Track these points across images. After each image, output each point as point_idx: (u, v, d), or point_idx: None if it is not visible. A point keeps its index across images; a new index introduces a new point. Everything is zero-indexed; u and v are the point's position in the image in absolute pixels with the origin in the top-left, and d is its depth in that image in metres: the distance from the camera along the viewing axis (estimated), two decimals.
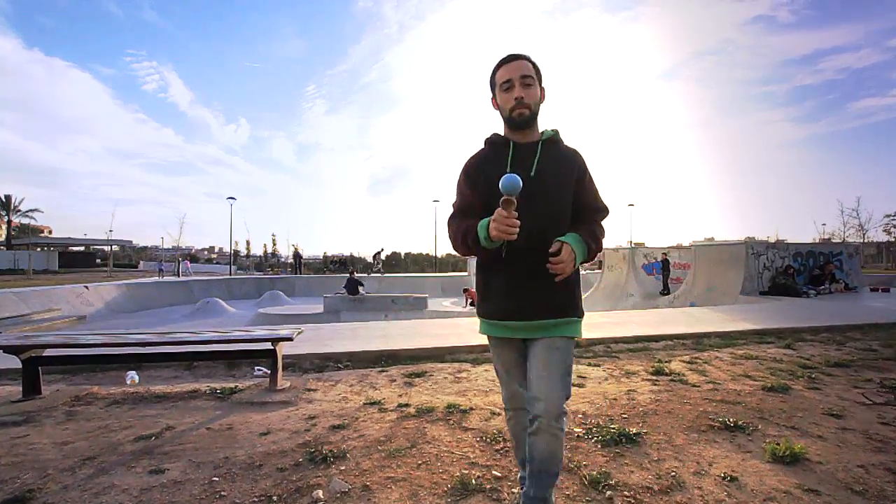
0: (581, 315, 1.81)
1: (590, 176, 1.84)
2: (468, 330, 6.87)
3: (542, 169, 1.73)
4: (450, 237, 1.77)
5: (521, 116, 1.74)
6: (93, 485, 2.38)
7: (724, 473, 2.42)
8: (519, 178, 1.46)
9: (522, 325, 1.74)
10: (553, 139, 1.82)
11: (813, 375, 4.39)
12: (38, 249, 50.87)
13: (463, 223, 1.71)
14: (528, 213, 1.57)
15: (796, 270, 13.57)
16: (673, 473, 2.43)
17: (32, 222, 56.98)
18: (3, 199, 54.01)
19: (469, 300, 18.12)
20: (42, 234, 59.62)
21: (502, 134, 1.84)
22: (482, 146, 1.86)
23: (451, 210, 1.85)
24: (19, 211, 55.04)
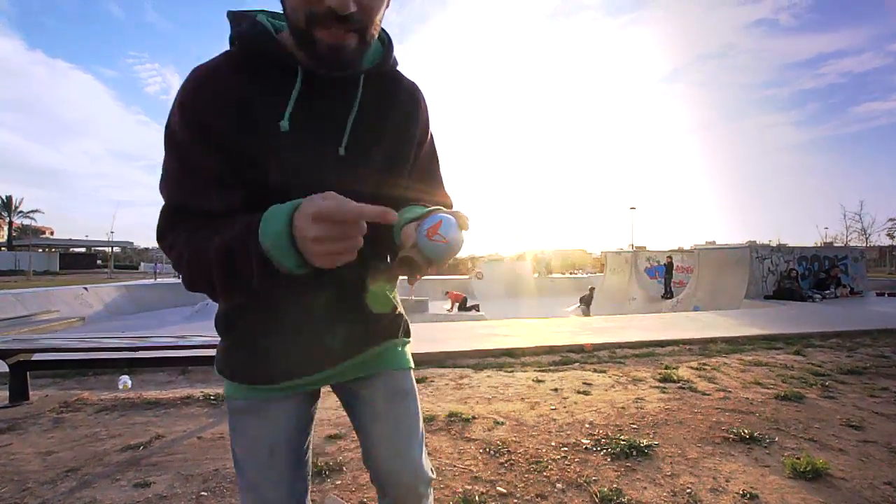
0: (409, 335, 1.15)
1: (434, 145, 1.08)
2: (469, 334, 6.73)
3: (361, 135, 0.89)
4: (177, 267, 0.79)
5: (335, 48, 0.78)
6: (73, 500, 2.24)
7: (743, 490, 2.27)
8: (455, 223, 0.76)
9: (328, 375, 1.00)
10: (385, 66, 0.94)
11: (826, 383, 4.24)
12: (39, 250, 50.91)
13: (204, 237, 0.75)
14: None
15: (801, 274, 13.42)
16: (689, 490, 2.29)
17: (33, 223, 57.07)
18: (5, 200, 54.01)
19: (456, 303, 17.39)
20: (43, 236, 59.71)
21: (284, 43, 0.84)
22: (224, 57, 0.85)
23: (162, 205, 0.83)
24: (21, 212, 55.08)
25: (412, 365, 1.12)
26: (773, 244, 18.03)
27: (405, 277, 0.77)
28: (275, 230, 0.66)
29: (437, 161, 1.09)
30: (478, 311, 13.98)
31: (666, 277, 18.17)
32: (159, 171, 0.83)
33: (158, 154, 0.85)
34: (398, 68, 0.97)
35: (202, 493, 2.28)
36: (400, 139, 0.95)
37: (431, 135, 1.05)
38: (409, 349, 1.14)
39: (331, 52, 0.77)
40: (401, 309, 1.11)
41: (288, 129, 0.81)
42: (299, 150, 0.82)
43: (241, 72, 0.81)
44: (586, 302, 17.70)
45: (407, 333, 1.12)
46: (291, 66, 0.82)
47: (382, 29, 0.89)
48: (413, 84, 0.98)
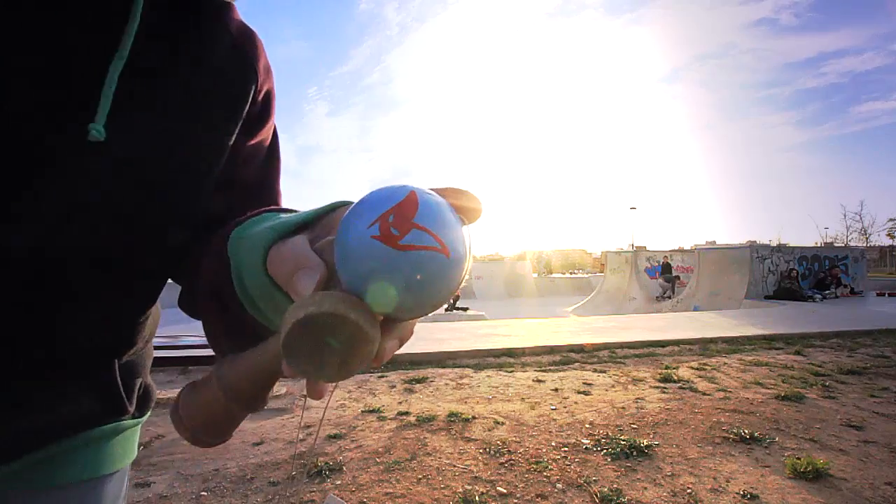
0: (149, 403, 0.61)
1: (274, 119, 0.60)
2: (469, 334, 6.72)
3: (136, 97, 0.43)
4: None
5: None
6: None
7: (744, 491, 2.27)
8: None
9: None
10: None
11: (827, 383, 4.24)
12: None
13: None
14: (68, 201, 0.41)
15: (801, 274, 13.42)
16: (689, 490, 2.28)
17: None
18: None
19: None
20: None
21: None
22: None
23: None
24: None
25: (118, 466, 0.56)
26: (774, 244, 18.05)
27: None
28: None
29: (278, 149, 0.61)
30: (464, 311, 14.03)
31: (664, 277, 18.18)
32: None
33: None
34: None
35: (202, 493, 2.28)
36: (216, 102, 0.49)
37: (271, 95, 0.57)
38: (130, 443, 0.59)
39: None
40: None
41: None
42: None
43: None
44: (666, 279, 18.01)
45: (144, 403, 0.60)
46: None
47: None
48: (246, 29, 0.54)
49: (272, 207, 0.46)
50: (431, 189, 0.28)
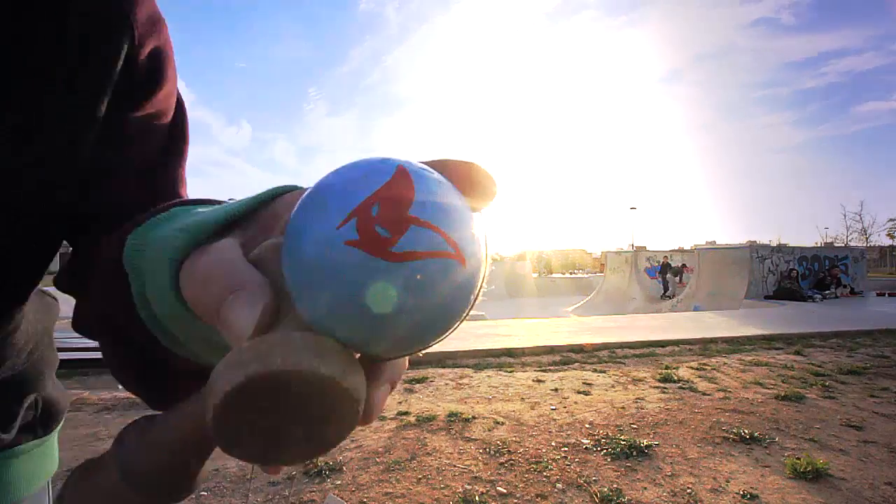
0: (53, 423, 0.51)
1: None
2: (470, 333, 6.72)
3: None
4: None
5: None
6: None
7: (744, 491, 2.27)
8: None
9: None
10: None
11: (826, 383, 4.24)
12: None
13: None
14: None
15: (801, 274, 13.43)
16: (689, 490, 2.28)
17: None
18: None
19: None
20: None
21: None
22: None
23: None
24: None
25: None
26: (774, 244, 18.04)
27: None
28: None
29: (185, 127, 0.47)
30: None
31: (663, 277, 18.19)
32: None
33: None
34: None
35: (202, 492, 2.29)
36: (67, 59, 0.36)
37: (164, 55, 0.43)
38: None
39: None
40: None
41: None
42: None
43: None
44: (673, 273, 17.94)
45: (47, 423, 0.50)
46: None
47: None
48: None
49: (185, 200, 0.33)
50: (423, 163, 0.19)
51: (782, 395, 3.85)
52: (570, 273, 43.11)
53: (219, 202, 0.31)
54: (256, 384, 0.16)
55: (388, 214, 0.16)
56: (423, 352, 0.20)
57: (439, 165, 0.20)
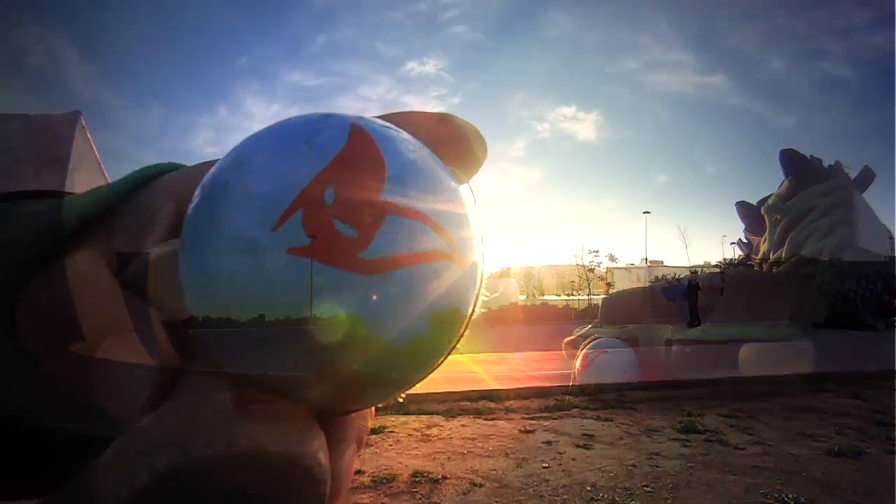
0: None
1: None
2: (438, 372, 6.66)
3: None
4: None
5: None
6: None
7: None
8: None
9: None
10: None
11: (891, 435, 4.35)
12: None
13: None
14: None
15: (860, 297, 13.81)
16: None
17: None
18: None
19: None
20: None
21: None
22: None
23: None
24: None
25: None
26: (824, 257, 18.56)
27: None
28: None
29: None
30: None
31: (689, 301, 18.45)
32: None
33: None
34: None
35: None
36: None
37: None
38: None
39: None
40: None
41: None
42: None
43: None
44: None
45: None
46: None
47: None
48: None
49: (22, 190, 0.26)
50: (377, 118, 0.17)
51: (836, 449, 3.92)
52: (567, 294, 43.58)
53: (65, 194, 0.25)
54: (172, 482, 0.12)
55: (350, 201, 0.13)
56: (404, 395, 0.19)
57: (401, 120, 0.17)
